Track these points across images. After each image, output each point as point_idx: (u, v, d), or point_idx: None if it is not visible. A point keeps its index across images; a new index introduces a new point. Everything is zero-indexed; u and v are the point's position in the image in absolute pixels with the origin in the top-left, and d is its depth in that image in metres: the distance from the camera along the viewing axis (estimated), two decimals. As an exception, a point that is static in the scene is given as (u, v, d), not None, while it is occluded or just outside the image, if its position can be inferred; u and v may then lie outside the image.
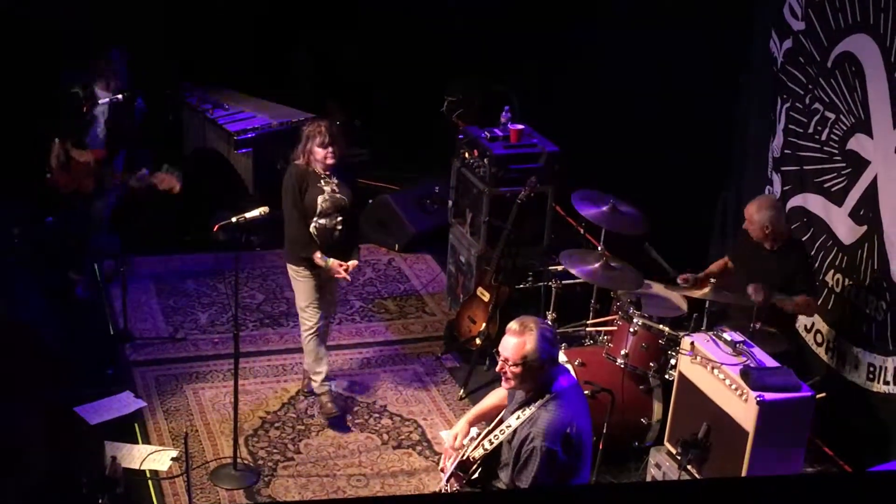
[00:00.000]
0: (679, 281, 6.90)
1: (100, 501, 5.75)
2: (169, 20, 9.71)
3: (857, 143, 6.73)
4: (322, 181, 6.71)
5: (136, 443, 6.71)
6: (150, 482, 6.42)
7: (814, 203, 7.14)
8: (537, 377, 4.95)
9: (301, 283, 6.86)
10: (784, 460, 5.81)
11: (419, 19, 10.20)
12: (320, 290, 6.89)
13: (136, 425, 6.88)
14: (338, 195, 6.74)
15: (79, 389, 7.04)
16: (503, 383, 5.09)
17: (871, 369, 6.68)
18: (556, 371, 5.03)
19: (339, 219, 6.75)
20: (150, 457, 6.55)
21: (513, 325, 5.01)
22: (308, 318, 6.90)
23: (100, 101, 7.59)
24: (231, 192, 9.32)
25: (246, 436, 6.86)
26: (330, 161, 6.67)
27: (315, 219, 6.71)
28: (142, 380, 7.33)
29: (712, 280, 6.60)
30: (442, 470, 5.30)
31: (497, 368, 5.05)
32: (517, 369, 4.93)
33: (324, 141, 6.62)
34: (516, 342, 4.93)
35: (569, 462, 4.93)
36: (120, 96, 7.59)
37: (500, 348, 5.00)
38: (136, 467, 6.46)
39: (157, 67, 9.80)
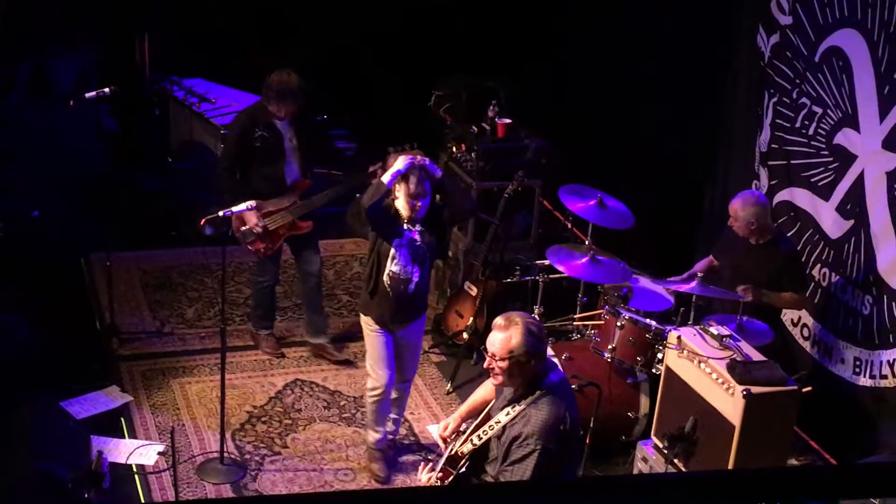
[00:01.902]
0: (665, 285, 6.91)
1: (86, 496, 5.73)
2: (158, 13, 9.69)
3: (845, 137, 6.75)
4: (404, 224, 6.16)
5: (123, 437, 6.69)
6: (136, 477, 6.40)
7: (801, 197, 7.16)
8: (525, 372, 4.94)
9: (371, 336, 6.32)
10: (770, 453, 5.82)
11: (407, 13, 10.18)
12: (394, 348, 6.36)
13: (122, 420, 6.86)
14: (417, 243, 6.17)
15: (65, 384, 7.02)
16: (492, 380, 5.08)
17: (858, 363, 6.70)
18: (545, 366, 5.02)
19: (416, 270, 6.19)
20: (136, 451, 6.53)
21: (498, 320, 5.00)
22: (375, 378, 6.34)
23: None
24: (217, 185, 9.29)
25: (233, 430, 6.84)
26: (419, 213, 6.11)
27: (389, 266, 6.17)
28: (128, 374, 7.31)
29: (699, 275, 6.61)
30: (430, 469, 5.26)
31: (485, 365, 5.04)
32: (504, 364, 4.92)
33: (417, 183, 6.03)
34: (502, 337, 4.92)
35: (560, 458, 4.93)
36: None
37: (487, 344, 4.99)
38: (123, 462, 6.44)
39: (143, 61, 9.80)
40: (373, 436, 6.53)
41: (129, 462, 6.46)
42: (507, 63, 9.68)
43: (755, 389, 5.64)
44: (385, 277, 6.16)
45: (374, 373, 6.34)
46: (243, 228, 7.07)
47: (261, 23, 10.02)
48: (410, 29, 10.17)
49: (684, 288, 6.56)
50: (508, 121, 8.12)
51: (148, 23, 9.70)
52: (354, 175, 7.13)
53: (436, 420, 6.89)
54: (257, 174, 7.09)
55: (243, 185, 7.06)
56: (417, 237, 6.14)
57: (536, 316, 6.82)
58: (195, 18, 9.76)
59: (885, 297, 6.49)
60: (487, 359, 4.98)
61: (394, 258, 6.13)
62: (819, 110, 6.93)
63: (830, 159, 6.88)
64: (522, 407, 4.94)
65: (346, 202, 7.93)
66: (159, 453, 6.55)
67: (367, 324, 6.32)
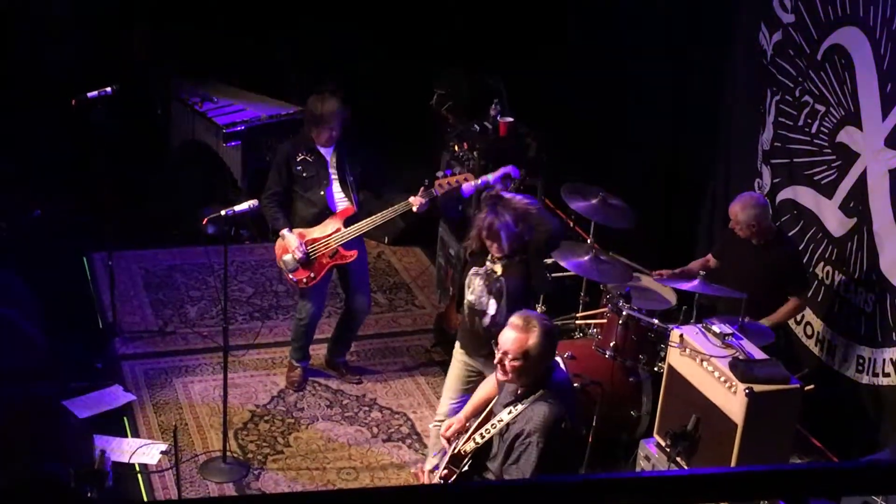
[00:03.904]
0: (654, 277, 6.91)
1: (88, 495, 5.73)
2: (157, 13, 9.69)
3: (847, 135, 6.74)
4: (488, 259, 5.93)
5: (126, 436, 6.70)
6: (139, 476, 6.40)
7: (804, 196, 7.15)
8: (534, 373, 4.94)
9: (453, 362, 6.14)
10: (772, 452, 5.82)
11: (408, 10, 10.18)
12: (470, 384, 6.02)
13: (125, 419, 6.87)
14: (495, 276, 5.87)
15: (68, 383, 7.02)
16: (499, 375, 5.05)
17: (861, 361, 6.69)
18: (551, 366, 5.03)
19: (493, 304, 5.89)
20: (139, 450, 6.54)
21: (516, 319, 4.95)
22: (440, 405, 6.19)
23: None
24: (220, 185, 9.31)
25: (235, 429, 6.84)
26: (497, 254, 5.86)
27: (467, 295, 5.98)
28: (131, 373, 7.31)
29: (702, 272, 6.60)
30: (417, 474, 5.27)
31: (495, 360, 5.01)
32: (517, 363, 4.89)
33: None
34: (518, 337, 4.88)
35: (561, 456, 4.93)
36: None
37: (500, 340, 4.95)
38: (126, 461, 6.45)
39: (146, 61, 9.80)
40: (430, 462, 6.14)
41: (131, 461, 6.46)
42: (508, 60, 9.68)
43: (758, 388, 5.63)
44: (464, 307, 6.03)
45: (442, 399, 6.16)
46: (285, 257, 6.88)
47: (255, 20, 10.00)
48: (409, 25, 10.17)
49: (687, 286, 6.55)
50: (510, 119, 8.12)
51: (150, 20, 9.71)
52: (399, 203, 6.83)
53: (438, 419, 6.89)
54: (301, 199, 6.90)
55: (288, 213, 6.90)
56: (499, 270, 5.87)
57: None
58: (198, 16, 9.76)
59: (887, 295, 6.48)
60: (498, 354, 4.95)
61: (469, 287, 5.95)
62: (822, 108, 6.92)
63: (833, 157, 6.87)
64: (525, 405, 4.94)
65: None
66: (162, 452, 6.55)
67: (456, 348, 6.17)
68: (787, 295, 6.67)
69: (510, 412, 4.98)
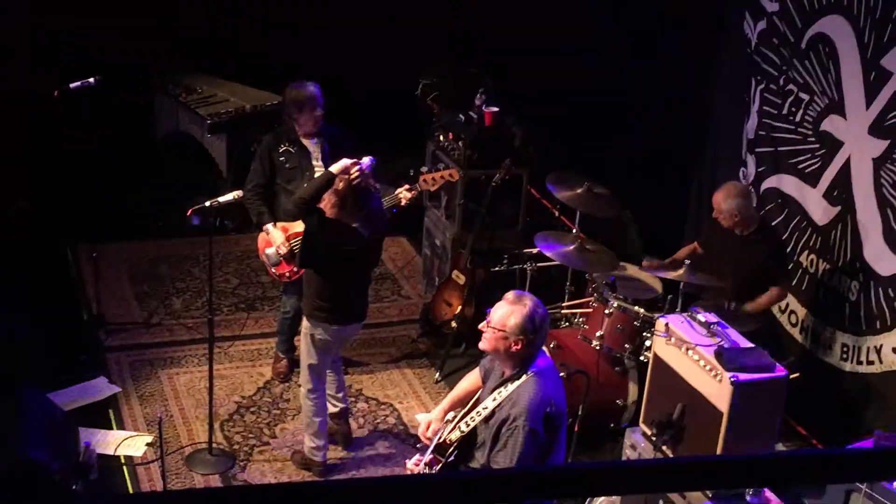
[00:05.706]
0: (644, 265, 6.92)
1: (73, 488, 5.72)
2: (142, 4, 9.64)
3: (831, 123, 6.76)
4: None
5: (111, 428, 6.68)
6: (124, 468, 6.39)
7: (788, 184, 7.17)
8: (512, 354, 4.95)
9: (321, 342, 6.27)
10: (758, 440, 5.84)
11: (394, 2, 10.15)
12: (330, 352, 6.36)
13: (110, 411, 6.85)
14: None
15: (52, 375, 7.00)
16: (480, 343, 5.09)
17: (845, 349, 6.72)
18: (536, 353, 5.04)
19: None
20: (124, 442, 6.52)
21: (509, 294, 5.06)
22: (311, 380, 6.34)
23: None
24: (204, 176, 9.28)
25: (221, 421, 6.83)
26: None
27: None
28: (116, 365, 7.29)
29: (687, 261, 6.61)
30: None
31: (480, 325, 5.07)
32: (496, 333, 4.95)
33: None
34: (505, 311, 4.96)
35: (547, 441, 4.95)
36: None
37: (491, 310, 5.04)
38: (111, 453, 6.43)
39: (129, 51, 9.75)
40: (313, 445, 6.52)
41: (117, 453, 6.44)
42: (494, 51, 9.67)
43: (743, 376, 5.64)
44: None
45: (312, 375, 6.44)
46: (268, 251, 6.89)
47: (241, 15, 9.95)
48: (397, 17, 10.14)
49: (672, 275, 6.56)
50: (496, 109, 8.10)
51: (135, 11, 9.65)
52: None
53: (424, 409, 6.89)
54: (284, 192, 6.87)
55: (272, 207, 6.89)
56: None
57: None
58: (179, 9, 9.71)
59: (871, 283, 6.50)
60: (485, 322, 5.02)
61: None
62: (806, 97, 6.93)
63: (817, 146, 6.89)
64: (510, 390, 4.96)
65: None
66: (147, 444, 6.53)
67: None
68: (770, 284, 6.69)
69: (495, 398, 5.00)
